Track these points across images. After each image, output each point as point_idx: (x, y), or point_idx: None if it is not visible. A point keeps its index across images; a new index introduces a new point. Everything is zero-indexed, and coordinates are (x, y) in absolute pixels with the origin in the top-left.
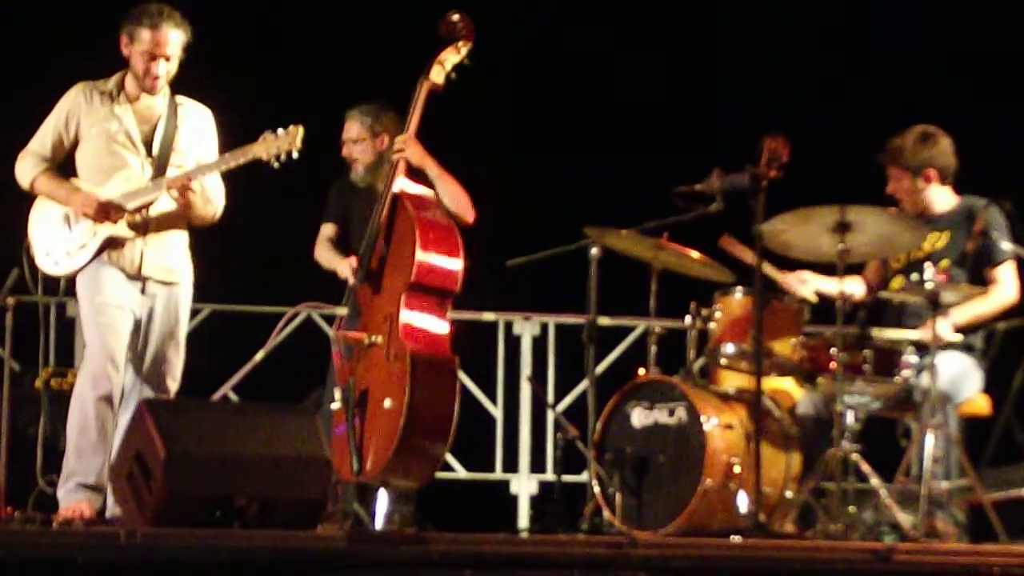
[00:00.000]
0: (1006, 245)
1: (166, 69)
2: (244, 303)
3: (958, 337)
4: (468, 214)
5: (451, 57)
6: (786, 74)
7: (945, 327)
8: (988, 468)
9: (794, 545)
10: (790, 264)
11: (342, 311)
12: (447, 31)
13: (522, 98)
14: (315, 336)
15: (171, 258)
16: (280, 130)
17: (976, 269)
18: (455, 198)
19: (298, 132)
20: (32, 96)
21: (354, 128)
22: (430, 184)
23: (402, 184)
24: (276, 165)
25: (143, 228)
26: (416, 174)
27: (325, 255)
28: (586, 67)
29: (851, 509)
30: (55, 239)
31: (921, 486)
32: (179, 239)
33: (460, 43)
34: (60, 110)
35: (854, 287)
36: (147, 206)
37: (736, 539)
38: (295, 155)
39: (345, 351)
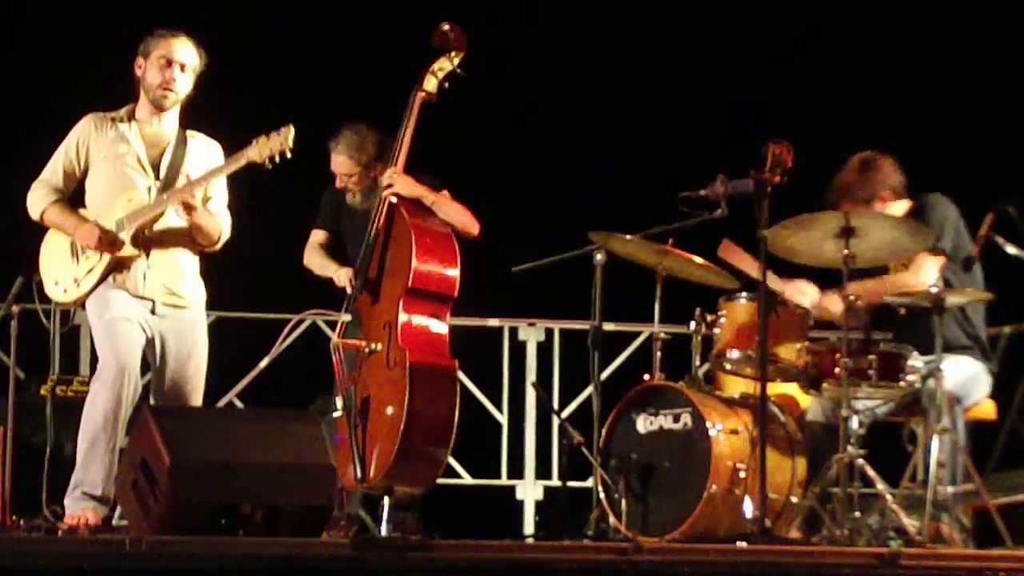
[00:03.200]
0: (1012, 250)
1: (180, 79)
2: (249, 310)
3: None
4: (473, 228)
5: (444, 67)
6: (790, 79)
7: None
8: (994, 473)
9: (800, 550)
10: (794, 270)
11: (346, 318)
12: (439, 41)
13: (526, 104)
14: (320, 343)
15: (176, 281)
16: (272, 132)
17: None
18: (457, 217)
19: (289, 132)
20: (44, 129)
21: (341, 164)
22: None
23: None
24: (270, 166)
25: (146, 247)
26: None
27: (318, 261)
28: (590, 72)
29: (856, 514)
30: (63, 268)
31: (927, 491)
32: (186, 262)
33: (452, 53)
34: (70, 139)
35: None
36: (151, 223)
37: (742, 545)
38: (288, 155)
39: (346, 359)
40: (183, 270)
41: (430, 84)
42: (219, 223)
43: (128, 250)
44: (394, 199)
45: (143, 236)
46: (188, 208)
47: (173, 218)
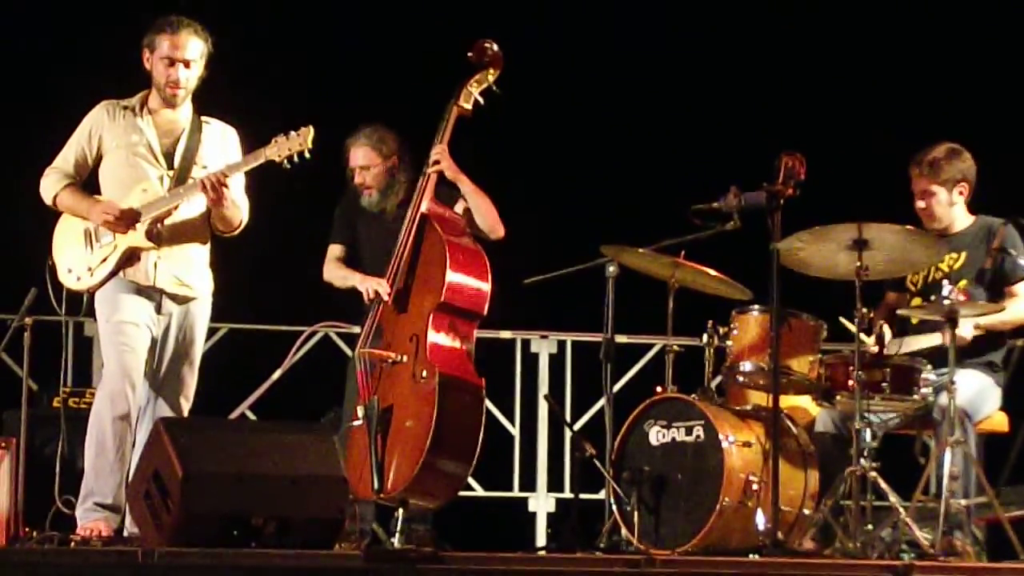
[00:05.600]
0: None
1: (186, 76)
2: (261, 322)
3: (975, 333)
4: (498, 229)
5: (480, 83)
6: (803, 91)
7: (967, 328)
8: (1006, 486)
9: (812, 563)
10: (807, 282)
11: (359, 330)
12: (477, 58)
13: (540, 117)
14: (332, 355)
15: (186, 271)
16: (292, 132)
17: (994, 287)
18: (487, 213)
19: (309, 133)
20: (58, 118)
21: (361, 155)
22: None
23: (429, 205)
24: (288, 166)
25: (158, 239)
26: (439, 191)
27: (339, 274)
28: (603, 85)
29: (869, 527)
30: (77, 256)
31: (939, 504)
32: (197, 252)
33: (490, 70)
34: (84, 126)
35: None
36: (165, 216)
37: (754, 557)
38: (307, 156)
39: (367, 368)
40: (193, 261)
41: (466, 99)
42: (241, 210)
43: (144, 242)
44: (424, 208)
45: (156, 229)
46: (219, 199)
47: (185, 210)
